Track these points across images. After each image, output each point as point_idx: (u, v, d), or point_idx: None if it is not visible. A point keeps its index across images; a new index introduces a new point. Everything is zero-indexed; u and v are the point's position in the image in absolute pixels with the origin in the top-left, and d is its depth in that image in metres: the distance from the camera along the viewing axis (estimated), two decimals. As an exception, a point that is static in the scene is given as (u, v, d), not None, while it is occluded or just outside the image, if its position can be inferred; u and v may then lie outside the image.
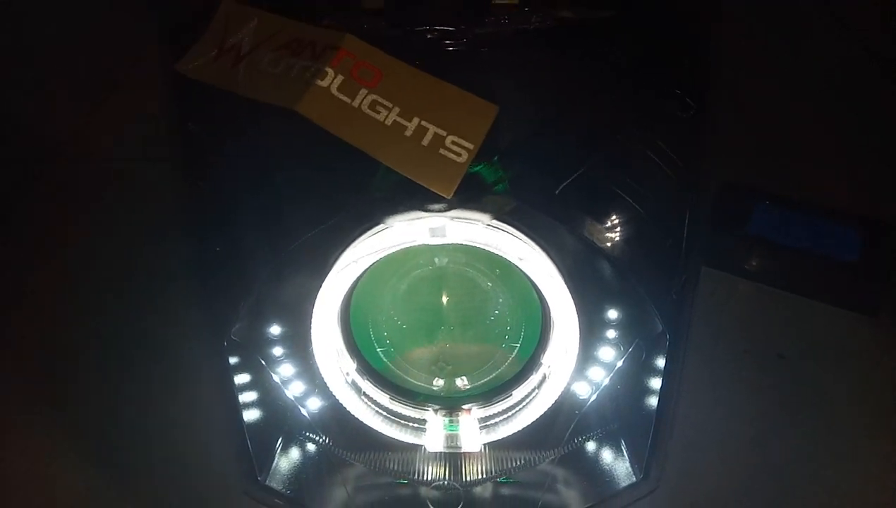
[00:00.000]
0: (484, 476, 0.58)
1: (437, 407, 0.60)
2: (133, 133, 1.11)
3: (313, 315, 0.55)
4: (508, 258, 0.50)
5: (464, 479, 0.58)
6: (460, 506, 0.56)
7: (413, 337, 0.59)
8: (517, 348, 0.59)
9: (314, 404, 0.61)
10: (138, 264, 0.94)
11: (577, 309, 0.53)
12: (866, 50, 1.20)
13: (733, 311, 0.86)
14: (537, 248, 0.51)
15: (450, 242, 0.50)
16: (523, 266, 0.51)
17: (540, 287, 0.52)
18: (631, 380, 0.57)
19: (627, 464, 0.56)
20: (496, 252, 0.50)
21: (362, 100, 0.52)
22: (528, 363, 0.59)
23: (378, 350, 0.59)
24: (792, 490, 0.67)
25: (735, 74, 1.15)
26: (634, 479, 0.54)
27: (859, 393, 0.77)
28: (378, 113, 0.52)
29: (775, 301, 0.87)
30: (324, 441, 0.61)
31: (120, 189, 1.07)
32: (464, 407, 0.60)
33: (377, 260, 0.54)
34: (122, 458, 0.75)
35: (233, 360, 0.56)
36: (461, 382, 0.60)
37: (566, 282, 0.52)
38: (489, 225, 0.49)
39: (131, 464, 0.74)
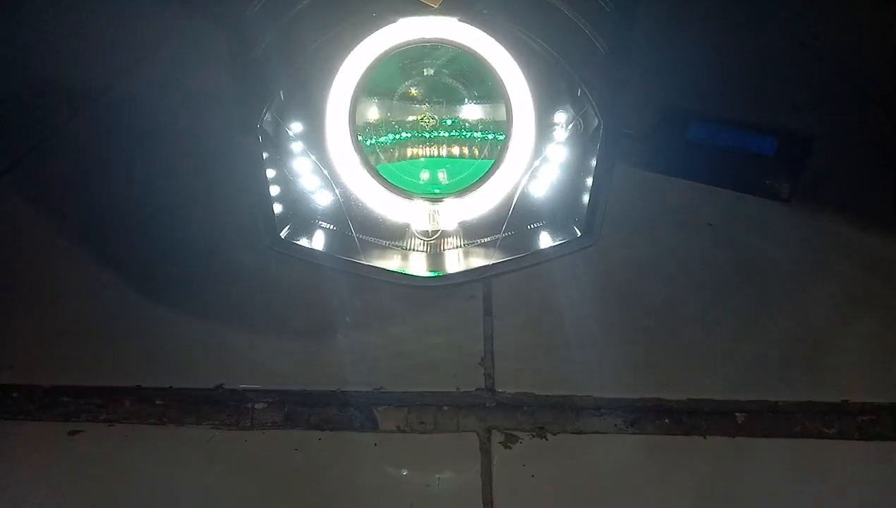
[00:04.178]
0: (454, 247, 0.73)
1: (422, 197, 0.75)
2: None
3: (327, 112, 0.71)
4: (479, 52, 0.67)
5: (440, 248, 0.73)
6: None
7: (406, 138, 0.75)
8: (487, 147, 0.74)
9: (324, 198, 0.75)
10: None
11: (533, 108, 0.70)
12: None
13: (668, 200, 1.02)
14: (503, 49, 0.68)
15: (431, 37, 0.66)
16: (493, 61, 0.67)
17: (506, 85, 0.68)
18: (577, 176, 0.73)
19: (571, 231, 0.71)
20: (469, 45, 0.66)
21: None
22: (495, 162, 0.74)
23: (377, 148, 0.75)
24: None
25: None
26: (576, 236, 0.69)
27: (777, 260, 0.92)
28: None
29: (705, 195, 1.03)
30: (329, 225, 0.75)
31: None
32: (443, 198, 0.75)
33: (375, 65, 0.69)
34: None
35: (265, 154, 0.71)
36: (442, 175, 0.75)
37: (527, 83, 0.69)
38: (462, 21, 0.66)
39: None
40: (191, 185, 0.94)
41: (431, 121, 0.74)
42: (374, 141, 0.74)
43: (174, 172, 0.98)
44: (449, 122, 0.74)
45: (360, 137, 0.73)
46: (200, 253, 0.81)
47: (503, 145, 0.73)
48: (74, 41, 1.39)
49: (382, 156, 0.74)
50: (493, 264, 0.69)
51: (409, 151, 0.75)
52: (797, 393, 0.69)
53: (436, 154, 0.75)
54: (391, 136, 0.74)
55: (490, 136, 0.74)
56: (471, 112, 0.74)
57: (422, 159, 0.75)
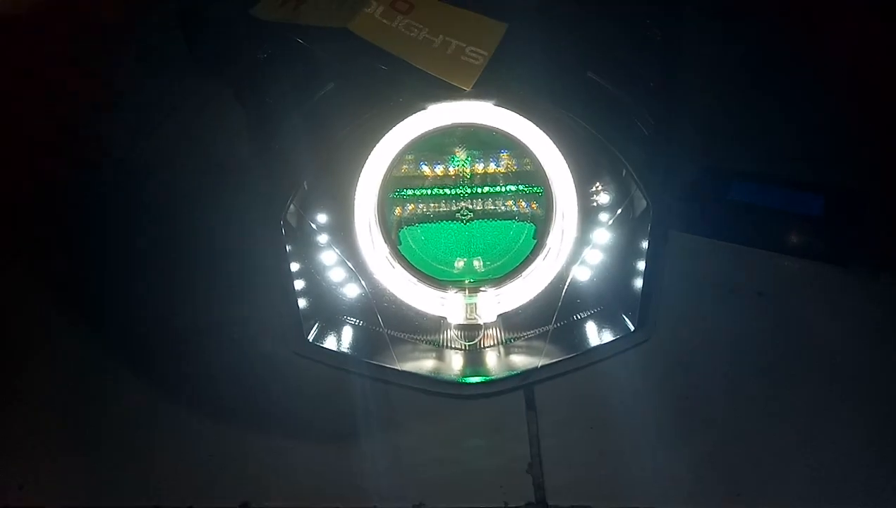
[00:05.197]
0: (495, 343, 0.67)
1: (457, 288, 0.69)
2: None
3: (355, 203, 0.67)
4: (518, 137, 0.62)
5: (479, 345, 0.67)
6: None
7: (438, 225, 0.70)
8: (525, 233, 0.69)
9: (352, 291, 0.70)
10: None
11: (576, 190, 0.65)
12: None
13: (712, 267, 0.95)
14: (541, 132, 0.63)
15: (469, 122, 0.62)
16: (532, 145, 0.62)
17: (545, 168, 0.64)
18: (625, 260, 0.67)
19: (623, 325, 0.65)
20: (508, 131, 0.62)
21: (399, 23, 0.66)
22: (535, 247, 0.69)
23: (409, 237, 0.70)
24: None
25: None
26: (629, 331, 0.63)
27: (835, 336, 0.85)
28: (412, 32, 0.65)
29: (752, 260, 0.96)
30: (358, 322, 0.70)
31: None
32: (480, 288, 0.69)
33: (404, 154, 0.65)
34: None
35: (288, 247, 0.66)
36: (478, 263, 0.70)
37: (567, 165, 0.64)
38: (498, 105, 0.61)
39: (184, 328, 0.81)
40: (210, 284, 0.87)
41: (468, 214, 0.69)
42: (405, 224, 0.69)
43: (193, 272, 0.90)
44: (485, 206, 0.69)
45: (389, 224, 0.68)
46: (220, 357, 0.75)
47: (542, 230, 0.68)
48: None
49: (412, 243, 0.69)
50: (540, 367, 0.63)
51: (442, 234, 0.70)
52: (890, 502, 0.62)
53: (471, 237, 0.70)
54: (423, 226, 0.69)
55: (529, 222, 0.69)
56: (508, 196, 0.69)
57: (454, 249, 0.70)
